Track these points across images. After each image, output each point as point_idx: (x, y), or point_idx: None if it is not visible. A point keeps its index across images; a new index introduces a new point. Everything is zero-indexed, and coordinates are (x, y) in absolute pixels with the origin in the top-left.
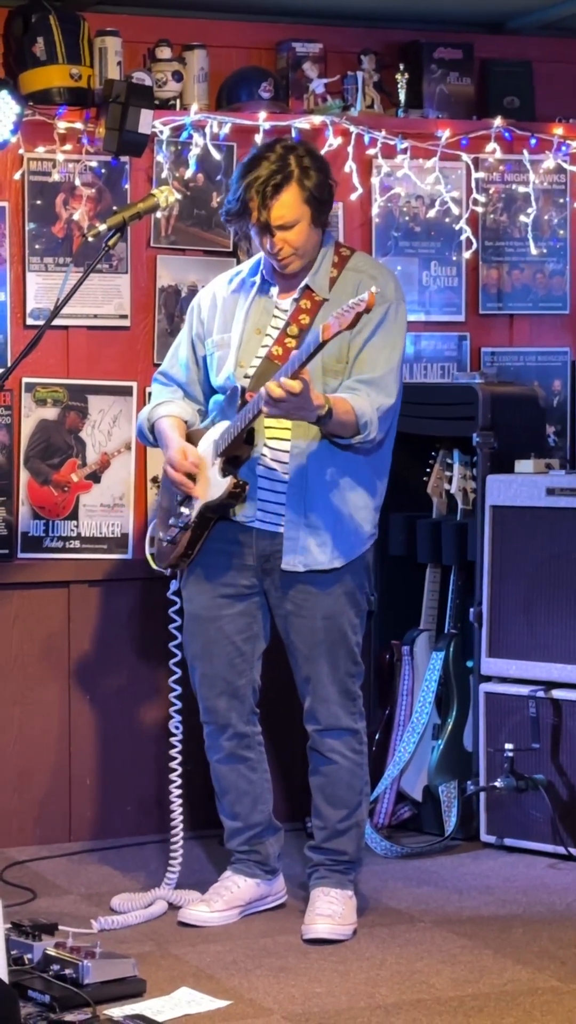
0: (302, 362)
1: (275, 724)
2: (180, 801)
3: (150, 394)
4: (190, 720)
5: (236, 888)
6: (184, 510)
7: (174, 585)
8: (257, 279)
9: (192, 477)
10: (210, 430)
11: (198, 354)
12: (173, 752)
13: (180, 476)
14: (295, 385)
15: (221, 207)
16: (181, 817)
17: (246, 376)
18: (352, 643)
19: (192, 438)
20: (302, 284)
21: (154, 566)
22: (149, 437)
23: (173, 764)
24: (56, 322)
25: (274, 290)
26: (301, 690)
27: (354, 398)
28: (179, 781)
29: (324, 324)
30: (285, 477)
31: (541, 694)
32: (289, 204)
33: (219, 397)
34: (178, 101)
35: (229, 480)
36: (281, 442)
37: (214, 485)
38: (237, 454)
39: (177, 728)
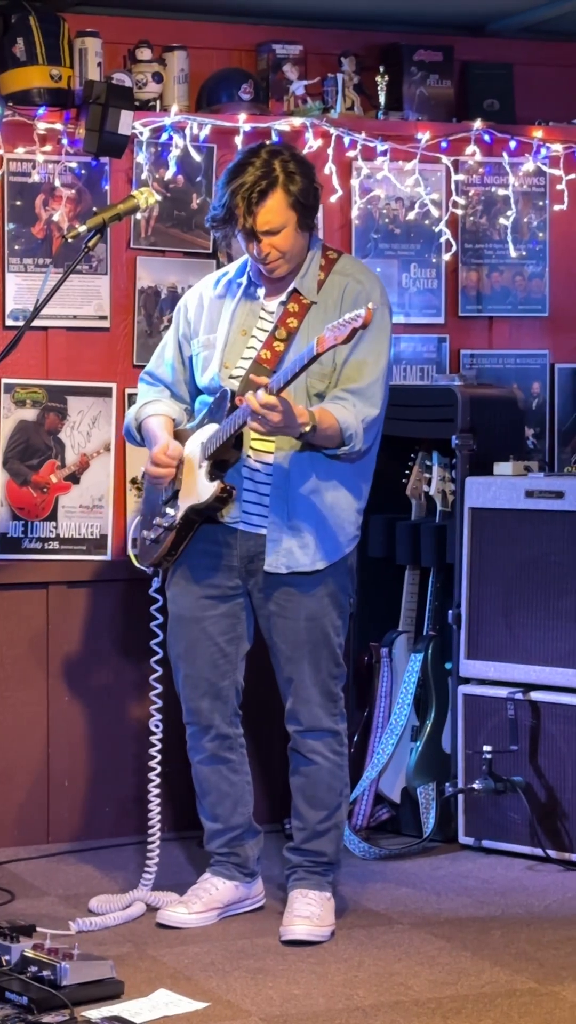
0: (295, 373)
1: (255, 725)
2: (158, 801)
3: (131, 396)
4: (170, 720)
5: (215, 890)
6: (169, 510)
7: (156, 583)
8: (244, 280)
9: (177, 472)
10: (197, 432)
11: (184, 354)
12: (153, 751)
13: (159, 470)
14: (270, 400)
15: (202, 209)
16: (159, 817)
17: (231, 377)
18: (334, 645)
19: (179, 437)
20: (290, 288)
21: (137, 565)
22: (136, 436)
23: (152, 763)
24: (35, 323)
25: (260, 292)
26: (283, 691)
27: (339, 410)
28: (157, 780)
29: (319, 337)
30: (268, 479)
31: (519, 696)
32: (275, 210)
33: (205, 397)
34: (158, 102)
35: (216, 485)
36: (265, 443)
37: (201, 488)
38: (225, 458)
39: (158, 727)
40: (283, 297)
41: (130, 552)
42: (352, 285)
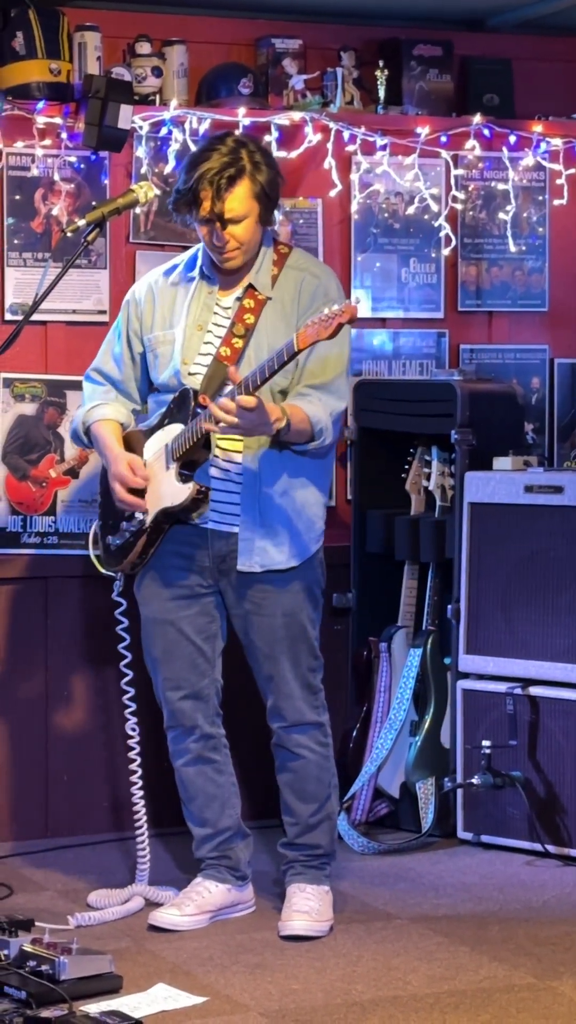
0: (273, 370)
1: (235, 725)
2: (143, 802)
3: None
4: (152, 718)
5: (207, 893)
6: (139, 515)
7: (117, 587)
8: (195, 274)
9: (141, 490)
10: (158, 433)
11: (134, 351)
12: (132, 755)
13: (131, 499)
14: (250, 401)
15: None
16: (144, 815)
17: (190, 374)
18: (311, 638)
19: (130, 438)
20: (245, 284)
21: (101, 569)
22: (84, 440)
23: (133, 767)
24: (35, 317)
25: (214, 286)
26: (263, 688)
27: (308, 405)
28: (140, 783)
29: (300, 333)
30: (238, 477)
31: (518, 691)
32: (240, 198)
33: (161, 396)
34: (157, 97)
35: (191, 487)
36: (233, 442)
37: (173, 491)
38: (194, 459)
39: (134, 730)
40: (238, 292)
41: (92, 557)
42: (309, 279)
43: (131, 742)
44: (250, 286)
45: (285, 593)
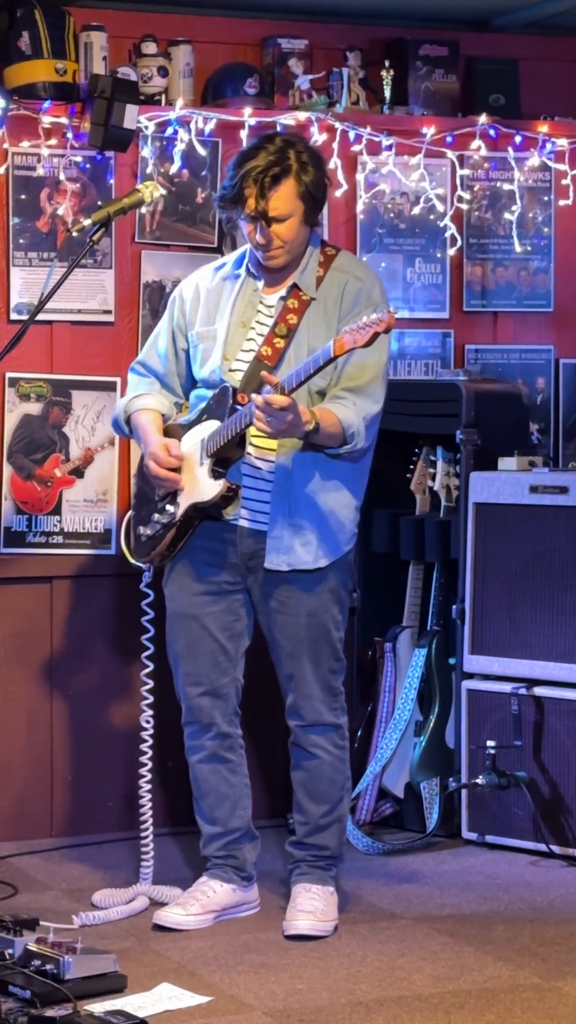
0: (309, 375)
1: (255, 722)
2: (149, 796)
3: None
4: (167, 714)
5: (212, 893)
6: (170, 507)
7: (147, 577)
8: (242, 272)
9: (175, 470)
10: (196, 428)
11: (178, 346)
12: (144, 747)
13: (165, 472)
14: (283, 401)
15: (207, 203)
16: (151, 811)
17: (231, 370)
18: (335, 640)
19: (169, 431)
20: (290, 283)
21: (131, 560)
22: (124, 428)
23: (144, 759)
24: (40, 317)
25: (259, 284)
26: (284, 686)
27: (340, 409)
28: (148, 776)
29: (337, 340)
30: (270, 476)
31: (523, 691)
32: (285, 197)
33: (202, 391)
34: (163, 96)
35: (222, 484)
36: (268, 441)
37: (204, 486)
38: (228, 456)
39: (148, 722)
40: (283, 292)
41: (123, 545)
42: (352, 283)
43: (144, 734)
44: (294, 286)
45: (311, 594)
